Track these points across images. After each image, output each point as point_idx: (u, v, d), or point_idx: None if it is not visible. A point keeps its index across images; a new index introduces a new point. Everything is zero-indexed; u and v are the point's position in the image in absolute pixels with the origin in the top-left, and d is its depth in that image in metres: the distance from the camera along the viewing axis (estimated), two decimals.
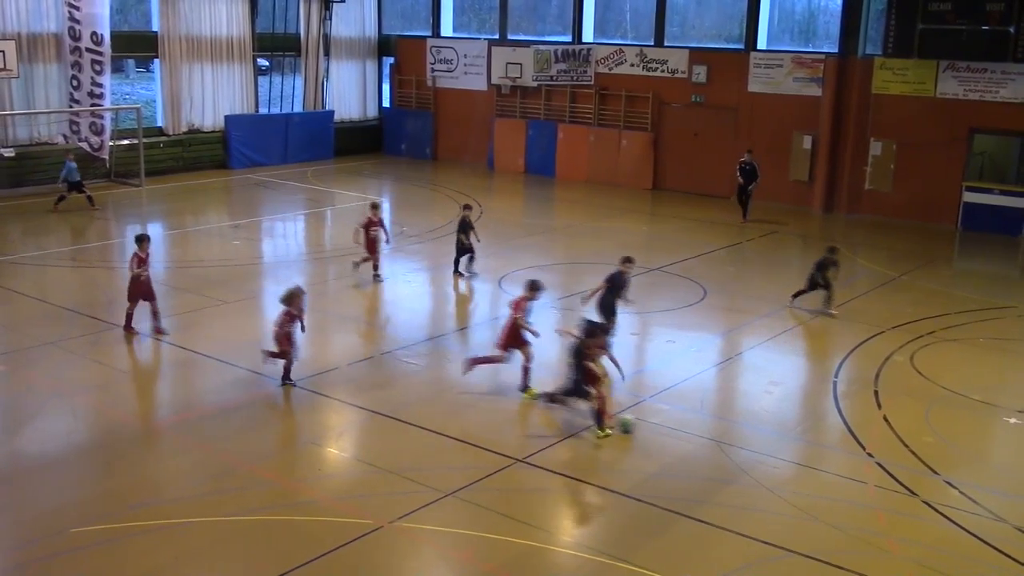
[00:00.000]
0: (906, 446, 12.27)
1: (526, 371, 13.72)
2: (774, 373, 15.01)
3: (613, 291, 15.15)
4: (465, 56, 35.07)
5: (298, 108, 35.17)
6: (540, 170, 33.32)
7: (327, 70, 35.49)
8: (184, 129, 31.34)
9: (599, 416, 12.34)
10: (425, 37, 36.19)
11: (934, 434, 12.77)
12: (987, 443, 13.10)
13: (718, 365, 15.59)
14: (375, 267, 19.35)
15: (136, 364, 15.18)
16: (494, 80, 34.25)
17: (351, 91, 36.78)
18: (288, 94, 34.91)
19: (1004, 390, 14.48)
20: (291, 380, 13.64)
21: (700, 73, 30.08)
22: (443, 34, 36.10)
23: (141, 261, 15.42)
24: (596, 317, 14.65)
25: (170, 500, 10.50)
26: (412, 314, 17.89)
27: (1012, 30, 24.64)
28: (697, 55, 30.22)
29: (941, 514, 10.58)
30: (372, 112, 37.67)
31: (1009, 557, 9.73)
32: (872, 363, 15.37)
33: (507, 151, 34.11)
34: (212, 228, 24.97)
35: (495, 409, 13.24)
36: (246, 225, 24.54)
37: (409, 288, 19.37)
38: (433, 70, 35.89)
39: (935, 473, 11.58)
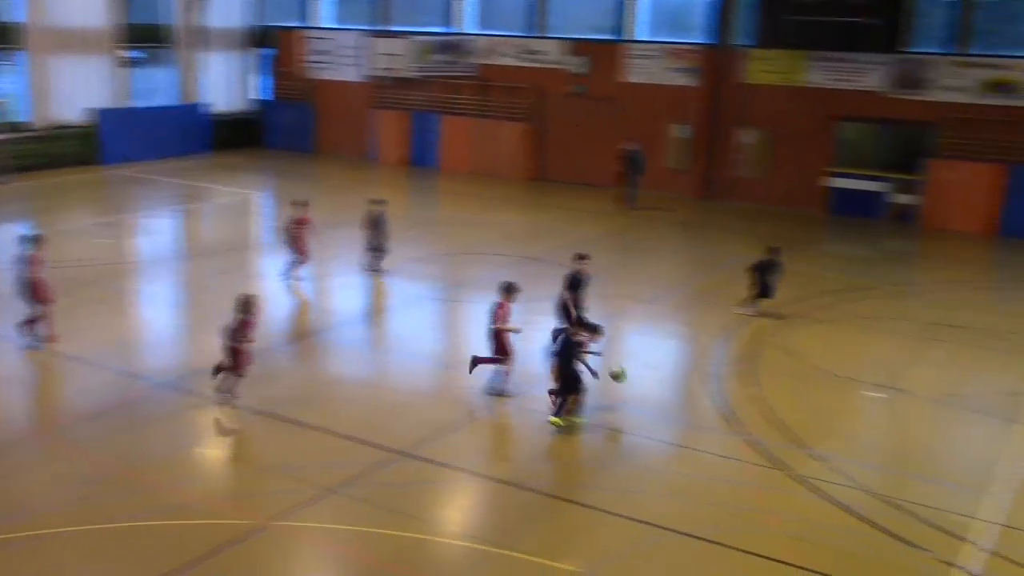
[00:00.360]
0: (778, 423, 12.71)
1: (500, 371, 13.51)
2: (652, 356, 15.34)
3: (572, 291, 14.88)
4: (344, 47, 34.68)
5: (173, 101, 34.20)
6: (423, 162, 33.21)
7: (202, 62, 34.60)
8: (51, 123, 30.13)
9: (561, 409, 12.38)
10: (303, 28, 35.64)
11: (804, 411, 13.27)
12: (852, 417, 13.66)
13: (599, 350, 15.81)
14: (296, 266, 18.70)
15: (1, 369, 14.58)
16: (374, 72, 33.97)
17: (228, 83, 35.95)
18: (162, 87, 33.92)
19: (867, 366, 15.13)
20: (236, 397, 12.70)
21: (579, 64, 30.44)
22: (321, 25, 35.62)
23: (36, 262, 14.61)
24: (558, 318, 14.64)
25: (38, 510, 10.12)
26: (291, 310, 17.64)
27: (874, 22, 25.61)
28: (575, 46, 30.56)
29: (811, 487, 11.00)
30: (250, 105, 36.91)
31: (872, 524, 10.19)
32: (747, 344, 15.86)
33: (390, 143, 33.89)
34: (80, 227, 24.10)
35: (378, 403, 13.19)
36: (117, 222, 23.78)
37: (288, 284, 19.07)
38: (311, 61, 35.38)
39: (803, 447, 12.03)
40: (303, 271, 18.77)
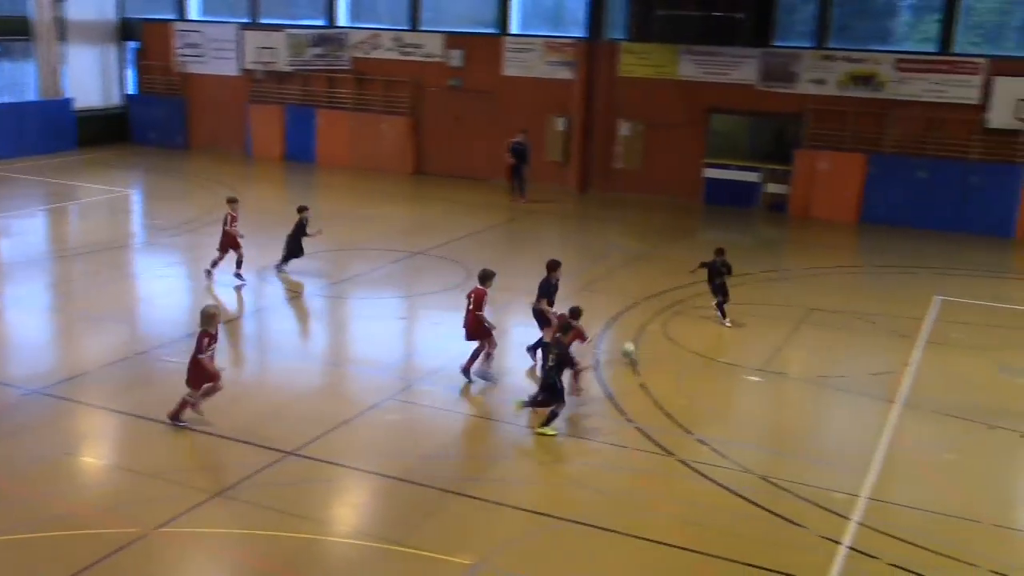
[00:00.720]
0: (662, 409, 13.00)
1: (483, 356, 13.66)
2: (538, 348, 15.46)
3: (548, 297, 14.58)
4: (215, 40, 33.80)
5: (34, 97, 32.72)
6: (300, 156, 32.66)
7: (64, 55, 33.19)
8: None
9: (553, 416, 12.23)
10: (171, 20, 34.58)
11: (686, 396, 13.61)
12: (733, 401, 14.09)
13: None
14: (238, 264, 18.08)
15: None
16: (247, 65, 33.23)
17: (92, 78, 34.60)
18: (22, 82, 32.41)
19: (746, 351, 15.61)
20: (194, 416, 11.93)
21: (456, 57, 30.42)
22: (190, 17, 34.64)
23: None
24: (538, 325, 14.51)
25: None
26: (169, 310, 17.12)
27: (741, 16, 26.37)
28: (453, 39, 30.54)
29: (696, 471, 11.30)
30: (117, 100, 35.63)
31: (756, 504, 10.53)
32: (628, 334, 16.16)
33: (265, 138, 33.21)
34: None
35: (263, 404, 12.93)
36: None
37: (165, 283, 18.54)
38: (181, 55, 34.37)
39: (689, 433, 12.34)
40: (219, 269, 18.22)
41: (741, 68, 27.29)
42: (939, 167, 25.54)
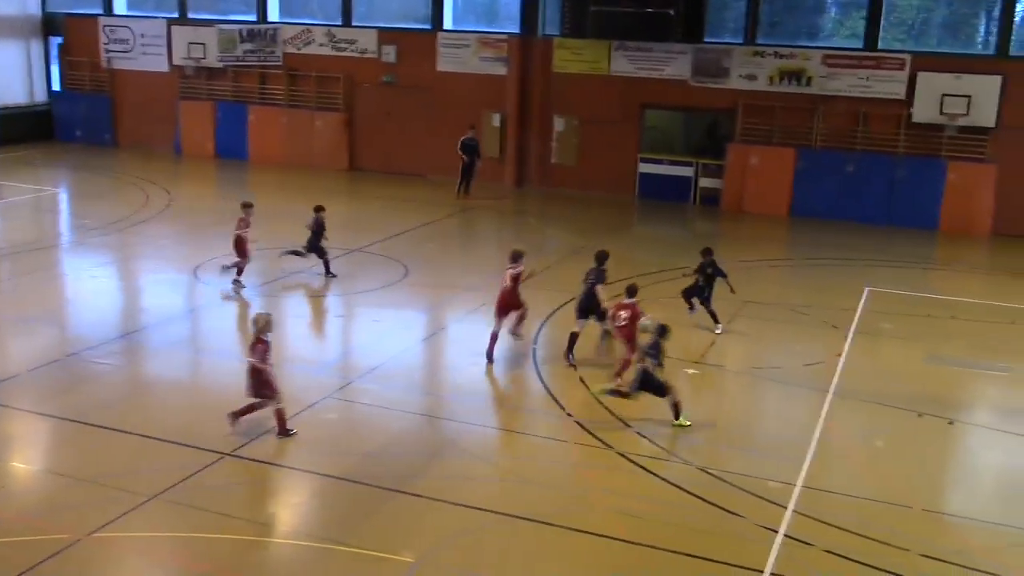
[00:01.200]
0: (601, 404, 13.09)
1: (518, 318, 14.65)
2: (477, 345, 15.47)
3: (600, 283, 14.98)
4: (143, 36, 33.15)
5: None
6: (232, 154, 32.18)
7: None
8: None
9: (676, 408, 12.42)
10: (97, 15, 33.82)
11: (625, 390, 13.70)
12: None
13: (424, 341, 15.88)
14: (239, 272, 17.75)
15: None
16: (177, 61, 32.64)
17: (14, 74, 33.70)
18: None
19: (683, 344, 15.73)
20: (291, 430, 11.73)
21: (390, 53, 30.25)
22: (117, 12, 33.92)
23: None
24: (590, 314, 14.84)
25: None
26: (101, 311, 16.77)
27: (672, 12, 26.63)
28: (386, 35, 30.36)
29: (635, 463, 11.40)
30: (41, 96, 34.75)
31: (695, 495, 10.66)
32: (567, 328, 16.19)
33: (195, 135, 32.66)
34: None
35: (199, 405, 12.74)
36: None
37: (95, 284, 18.15)
38: (108, 50, 33.64)
39: (628, 426, 12.44)
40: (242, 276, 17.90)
41: (674, 64, 27.57)
42: (867, 161, 26.10)
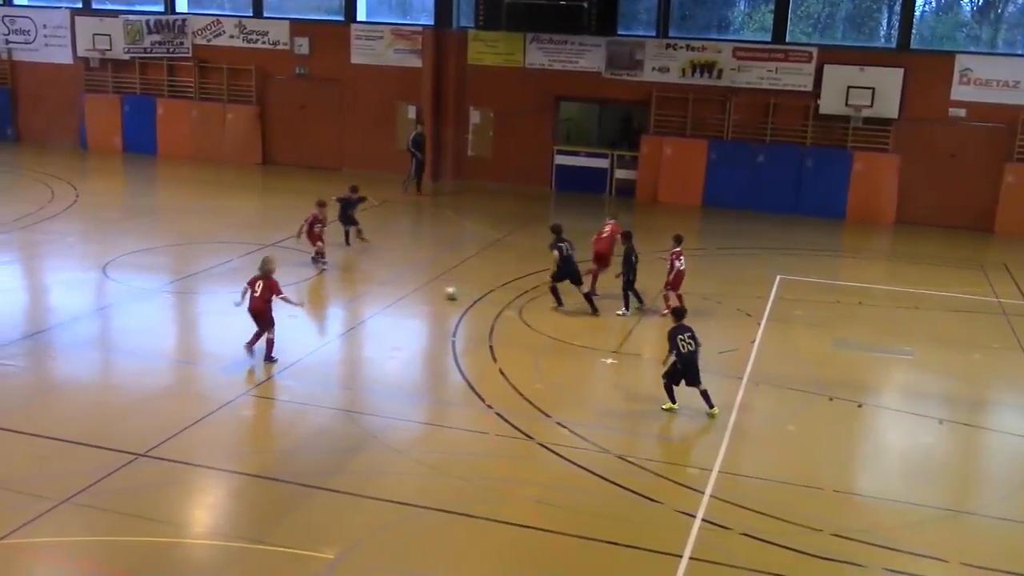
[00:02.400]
0: (520, 394, 13.15)
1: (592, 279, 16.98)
2: (396, 338, 15.43)
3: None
4: (45, 26, 32.12)
5: None
6: (140, 148, 31.39)
7: None
8: None
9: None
10: None
11: (544, 380, 13.81)
12: (589, 383, 14.38)
13: (342, 335, 15.75)
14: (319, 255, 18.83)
15: None
16: (81, 53, 31.69)
17: None
18: None
19: (600, 334, 15.95)
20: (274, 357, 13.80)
21: (302, 45, 29.86)
22: (17, 2, 32.80)
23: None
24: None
25: None
26: (4, 312, 16.20)
27: (585, 5, 26.81)
28: (298, 27, 29.95)
29: (555, 453, 11.48)
30: None
31: (614, 483, 10.79)
32: (485, 320, 16.27)
33: (101, 129, 31.76)
34: None
35: (109, 405, 12.43)
36: None
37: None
38: (8, 42, 32.50)
39: (547, 416, 12.52)
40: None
41: (588, 56, 27.79)
42: (776, 152, 26.68)
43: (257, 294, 13.76)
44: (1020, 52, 25.74)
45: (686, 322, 12.86)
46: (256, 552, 9.15)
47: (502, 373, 13.95)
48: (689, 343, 12.53)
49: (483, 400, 12.99)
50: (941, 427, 12.97)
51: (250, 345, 13.93)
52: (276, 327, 13.89)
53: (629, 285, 16.97)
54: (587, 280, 17.18)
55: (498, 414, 12.51)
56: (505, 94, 28.57)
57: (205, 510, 10.33)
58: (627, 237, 17.22)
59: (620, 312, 16.91)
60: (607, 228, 17.92)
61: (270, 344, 13.82)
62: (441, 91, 28.96)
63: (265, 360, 13.79)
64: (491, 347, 15.06)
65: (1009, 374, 15.24)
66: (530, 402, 12.92)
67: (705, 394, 12.63)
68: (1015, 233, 25.13)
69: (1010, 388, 14.84)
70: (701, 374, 12.69)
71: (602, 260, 17.70)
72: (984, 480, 11.88)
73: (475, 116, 29.05)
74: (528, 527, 9.83)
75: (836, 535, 9.91)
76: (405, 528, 9.76)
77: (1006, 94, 25.20)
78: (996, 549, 9.94)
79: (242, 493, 10.47)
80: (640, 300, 17.19)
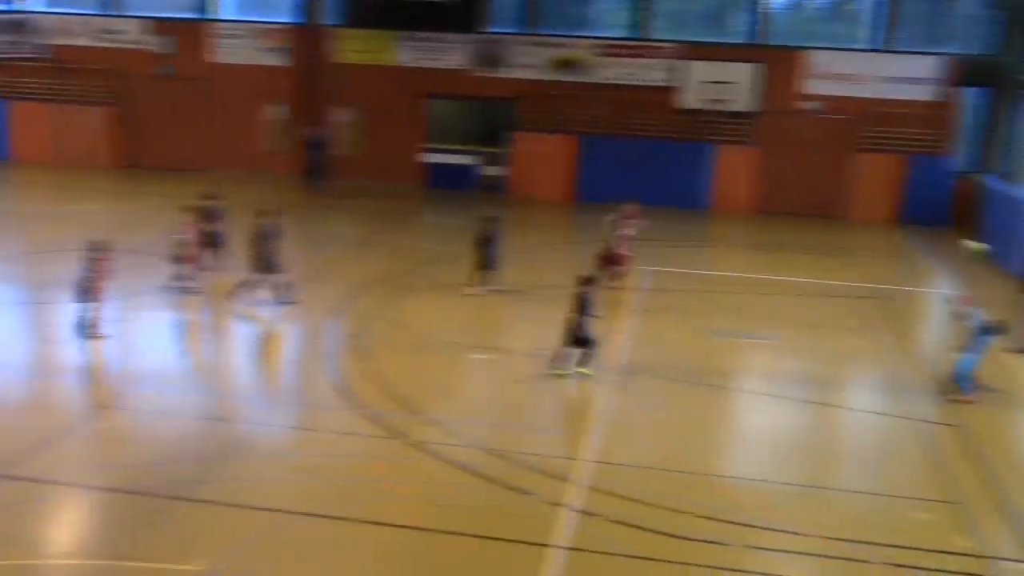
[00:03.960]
0: (394, 394, 13.10)
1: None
2: (265, 342, 15.16)
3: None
4: None
5: None
6: None
7: None
8: None
9: None
10: None
11: (417, 379, 13.78)
12: (460, 380, 14.42)
13: (207, 340, 15.38)
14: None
15: None
16: None
17: None
18: None
19: (469, 330, 16.01)
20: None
21: (164, 44, 29.02)
22: None
23: None
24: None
25: None
26: None
27: (453, 3, 26.85)
28: (159, 25, 29.09)
29: (428, 451, 11.48)
30: None
31: (487, 478, 10.85)
32: (357, 320, 16.14)
33: None
34: None
35: None
36: None
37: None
38: None
39: (419, 414, 12.51)
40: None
41: (456, 54, 27.84)
42: (642, 146, 27.24)
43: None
44: (867, 47, 26.94)
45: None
46: (120, 569, 8.87)
47: (373, 373, 13.87)
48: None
49: (355, 401, 12.89)
50: (803, 407, 13.50)
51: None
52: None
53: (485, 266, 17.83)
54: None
55: (371, 415, 12.44)
56: (375, 92, 28.38)
57: (65, 528, 9.94)
58: (492, 221, 17.91)
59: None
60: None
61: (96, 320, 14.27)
62: (310, 90, 28.54)
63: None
64: (362, 347, 14.95)
65: (862, 354, 15.95)
66: (402, 401, 12.89)
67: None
68: (866, 220, 26.33)
69: (863, 368, 15.54)
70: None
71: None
72: (839, 456, 12.42)
73: (345, 115, 28.75)
74: (404, 526, 9.81)
75: (704, 517, 10.20)
76: (278, 535, 9.61)
77: (854, 87, 26.36)
78: (849, 520, 10.41)
79: (104, 509, 10.12)
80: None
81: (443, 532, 9.73)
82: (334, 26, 28.35)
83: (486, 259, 17.74)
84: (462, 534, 9.70)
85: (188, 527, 9.68)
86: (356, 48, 28.39)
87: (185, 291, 16.90)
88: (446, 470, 11.07)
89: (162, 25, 29.09)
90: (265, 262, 15.64)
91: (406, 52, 28.13)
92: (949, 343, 15.23)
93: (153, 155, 29.65)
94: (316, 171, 27.00)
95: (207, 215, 18.22)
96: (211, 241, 18.11)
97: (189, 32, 29.03)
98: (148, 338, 15.38)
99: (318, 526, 9.77)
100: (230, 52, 28.85)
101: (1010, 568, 9.59)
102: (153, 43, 29.09)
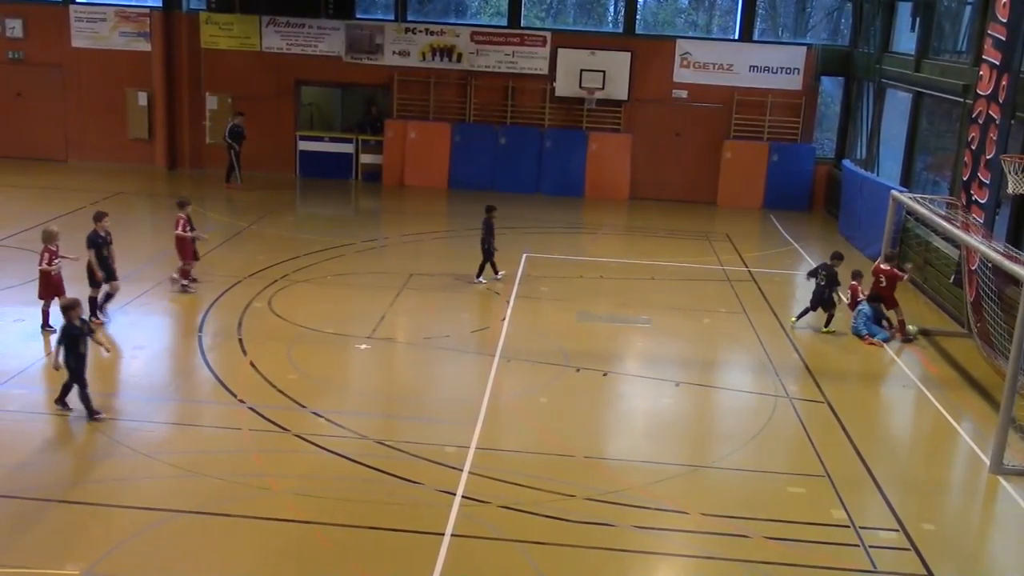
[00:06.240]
0: (274, 386, 12.87)
1: None
2: (138, 337, 14.68)
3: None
4: None
5: None
6: None
7: None
8: None
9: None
10: None
11: (297, 371, 13.57)
12: (344, 371, 14.27)
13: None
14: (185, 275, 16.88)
15: None
16: None
17: None
18: None
19: (353, 320, 15.85)
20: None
21: (14, 28, 27.61)
22: None
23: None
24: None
25: None
26: None
27: None
28: (8, 8, 27.64)
29: (313, 443, 11.34)
30: None
31: (373, 469, 10.79)
32: (233, 313, 15.79)
33: None
34: None
35: None
36: None
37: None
38: None
39: (303, 407, 12.33)
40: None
41: (327, 40, 27.41)
42: (517, 134, 27.42)
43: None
44: (732, 37, 27.75)
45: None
46: None
47: (253, 366, 13.59)
48: None
49: (235, 395, 12.61)
50: (678, 389, 13.87)
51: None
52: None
53: (490, 255, 18.04)
54: None
55: (252, 408, 12.19)
56: (243, 79, 27.69)
57: None
58: (489, 210, 18.16)
59: (479, 280, 18.06)
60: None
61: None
62: (173, 77, 27.66)
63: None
64: (240, 340, 14.64)
65: (735, 335, 16.48)
66: (284, 394, 12.67)
67: None
68: (734, 205, 27.18)
69: (736, 348, 16.06)
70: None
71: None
72: (715, 435, 12.82)
73: (212, 102, 27.97)
74: (288, 520, 9.66)
75: (589, 499, 10.39)
76: (157, 534, 9.32)
77: (721, 76, 27.14)
78: (730, 497, 10.77)
79: None
80: (496, 271, 18.22)
81: (329, 525, 9.62)
82: (199, 10, 27.52)
83: (485, 248, 18.14)
84: (347, 526, 9.61)
85: (62, 530, 9.31)
86: (223, 34, 27.62)
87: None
88: (331, 462, 10.94)
89: (13, 7, 27.63)
90: (106, 268, 15.06)
91: (275, 38, 27.52)
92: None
93: (4, 144, 28.12)
94: (235, 162, 26.18)
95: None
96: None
97: (42, 15, 27.68)
98: (14, 334, 14.67)
99: (199, 523, 9.53)
100: (88, 36, 27.65)
101: (879, 536, 10.08)
102: (4, 27, 27.61)
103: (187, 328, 15.39)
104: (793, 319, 16.82)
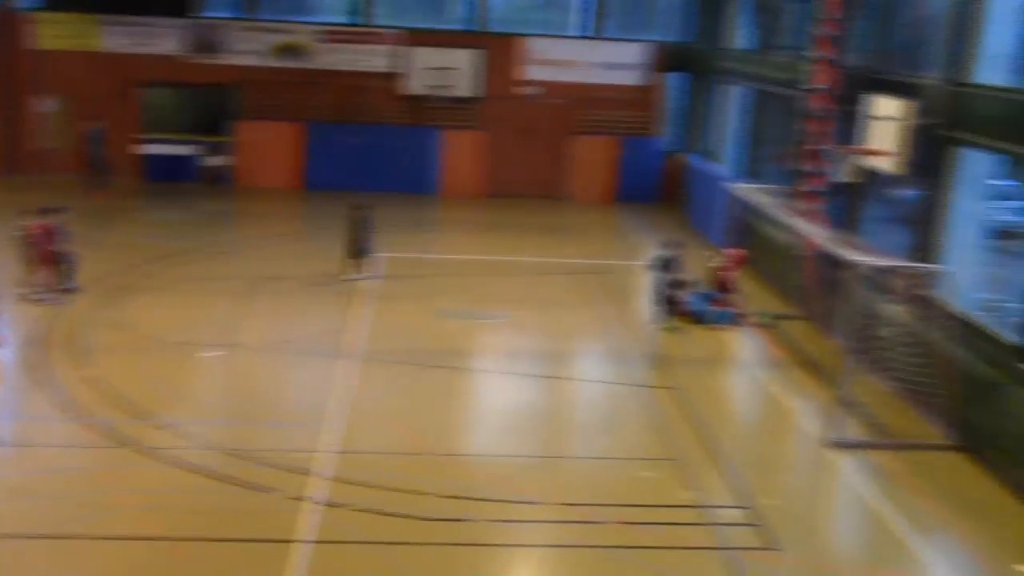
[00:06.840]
0: (119, 400, 12.40)
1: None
2: None
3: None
4: None
5: None
6: None
7: None
8: None
9: None
10: None
11: (144, 382, 13.10)
12: (192, 380, 13.84)
13: None
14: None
15: None
16: None
17: None
18: None
19: (200, 328, 15.40)
20: None
21: None
22: None
23: None
24: None
25: None
26: None
27: None
28: None
29: (158, 457, 10.96)
30: None
31: (225, 479, 10.52)
32: (75, 324, 15.13)
33: None
34: None
35: None
36: None
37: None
38: None
39: (147, 419, 11.91)
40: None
41: (169, 39, 26.54)
42: (370, 132, 27.17)
43: None
44: (579, 35, 28.19)
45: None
46: None
47: (95, 380, 13.05)
48: None
49: (76, 411, 12.08)
50: (532, 382, 14.04)
51: None
52: None
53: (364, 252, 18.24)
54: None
55: (94, 424, 11.71)
56: (81, 80, 26.52)
57: None
58: (361, 207, 18.35)
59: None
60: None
61: None
62: (6, 78, 26.27)
63: None
64: (81, 353, 14.03)
65: (586, 328, 16.77)
66: (128, 407, 12.22)
67: None
68: (585, 199, 27.65)
69: (587, 340, 16.34)
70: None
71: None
72: (570, 425, 13.02)
73: (48, 105, 26.69)
74: (136, 538, 9.33)
75: (446, 496, 10.40)
76: None
77: (569, 72, 27.56)
78: (583, 485, 10.97)
79: None
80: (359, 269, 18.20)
81: (179, 539, 9.34)
82: (32, 9, 26.24)
83: (359, 246, 18.19)
84: (198, 539, 9.36)
85: None
86: (59, 33, 26.41)
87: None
88: (179, 475, 10.61)
89: None
90: None
91: (114, 37, 26.48)
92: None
93: None
94: (98, 170, 24.98)
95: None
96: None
97: None
98: None
99: (37, 548, 9.10)
100: None
101: (727, 514, 10.45)
102: None
103: (23, 340, 14.66)
104: (664, 324, 16.78)
